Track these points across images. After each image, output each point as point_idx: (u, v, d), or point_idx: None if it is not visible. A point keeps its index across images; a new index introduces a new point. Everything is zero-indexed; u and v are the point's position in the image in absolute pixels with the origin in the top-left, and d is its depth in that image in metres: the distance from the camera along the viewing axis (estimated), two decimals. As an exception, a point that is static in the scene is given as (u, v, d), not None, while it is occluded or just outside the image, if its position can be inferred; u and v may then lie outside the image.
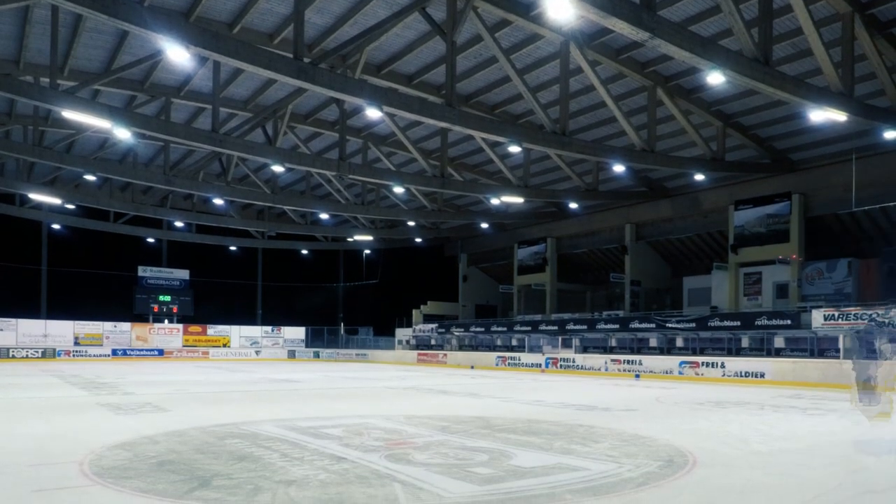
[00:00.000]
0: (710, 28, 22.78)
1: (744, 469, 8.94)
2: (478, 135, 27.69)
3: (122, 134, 25.79)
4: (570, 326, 40.19)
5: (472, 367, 42.15)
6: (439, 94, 28.37)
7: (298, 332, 63.53)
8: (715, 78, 19.18)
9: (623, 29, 15.80)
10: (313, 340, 63.09)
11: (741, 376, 28.75)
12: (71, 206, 45.99)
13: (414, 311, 57.04)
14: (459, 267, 57.52)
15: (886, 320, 25.58)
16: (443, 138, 33.21)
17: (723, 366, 29.75)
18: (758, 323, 31.01)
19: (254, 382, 27.94)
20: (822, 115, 22.08)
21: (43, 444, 10.84)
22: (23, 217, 47.58)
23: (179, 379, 29.76)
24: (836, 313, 28.27)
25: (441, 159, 33.34)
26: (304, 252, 60.80)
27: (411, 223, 49.80)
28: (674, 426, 13.48)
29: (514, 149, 27.94)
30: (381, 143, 37.33)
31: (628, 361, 33.98)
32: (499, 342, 45.99)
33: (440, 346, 50.49)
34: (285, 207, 46.33)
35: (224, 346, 59.80)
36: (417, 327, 54.61)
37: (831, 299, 31.83)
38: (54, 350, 51.60)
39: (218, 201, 43.77)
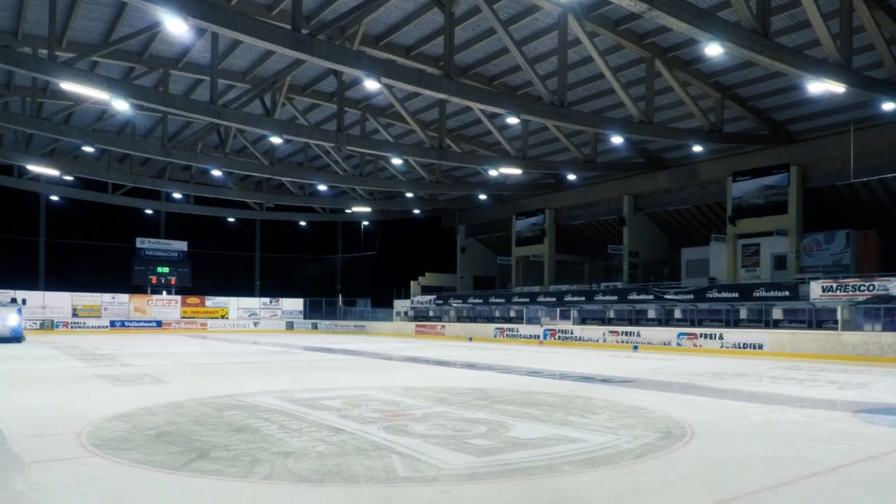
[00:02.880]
0: (709, -1, 22.63)
1: (742, 440, 8.98)
2: (476, 106, 27.59)
3: (121, 105, 25.64)
4: (569, 298, 40.25)
5: (471, 339, 42.26)
6: (437, 65, 28.22)
7: (296, 304, 63.59)
8: (713, 49, 19.08)
9: (621, 0, 15.68)
10: (311, 312, 63.21)
11: (739, 348, 28.83)
12: (69, 178, 45.90)
13: (412, 283, 57.10)
14: (457, 238, 57.48)
15: None
16: (441, 110, 33.06)
17: (721, 337, 29.82)
18: (756, 294, 31.06)
19: (252, 354, 28.01)
20: (821, 87, 22.02)
21: (41, 416, 10.86)
22: (21, 189, 47.45)
23: (178, 350, 29.83)
24: (835, 285, 28.32)
25: (439, 131, 33.19)
26: (303, 223, 60.72)
27: (409, 195, 49.72)
28: (672, 398, 13.53)
29: (513, 120, 27.83)
30: (380, 114, 37.20)
31: (626, 333, 34.07)
32: (497, 314, 46.09)
33: (438, 318, 50.61)
34: (283, 179, 46.20)
35: (222, 317, 59.85)
36: (415, 299, 54.69)
37: (829, 271, 31.87)
38: (52, 322, 51.65)
39: (216, 173, 43.69)
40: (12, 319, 35.34)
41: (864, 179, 31.41)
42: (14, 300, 44.52)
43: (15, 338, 34.78)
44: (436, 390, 14.30)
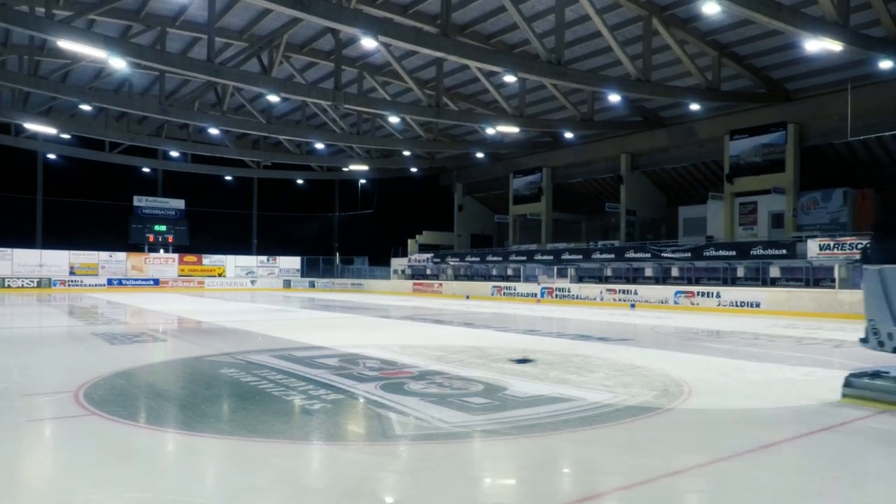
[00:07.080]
0: (710, -45, 22.33)
1: (739, 399, 9.02)
2: (473, 64, 27.41)
3: (118, 64, 25.52)
4: (566, 256, 40.26)
5: (468, 297, 42.34)
6: (435, 23, 27.93)
7: (294, 262, 63.71)
8: (710, 7, 19.02)
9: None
10: (309, 270, 63.32)
11: (736, 306, 28.93)
12: (66, 136, 45.78)
13: (409, 241, 57.11)
14: (455, 196, 57.41)
15: None
16: (438, 68, 32.83)
17: (718, 295, 29.91)
18: (753, 253, 31.08)
19: (249, 312, 28.05)
20: (818, 45, 21.98)
21: (37, 374, 10.90)
22: (18, 147, 47.37)
23: (175, 308, 29.85)
24: (832, 243, 28.32)
25: (436, 89, 33.01)
26: (300, 182, 60.62)
27: (407, 153, 49.57)
28: (669, 356, 13.58)
29: (510, 78, 27.75)
30: (377, 72, 36.92)
31: (624, 291, 34.14)
32: (494, 272, 46.12)
33: (435, 276, 50.65)
34: (281, 137, 46.06)
35: (219, 275, 59.99)
36: (413, 257, 54.71)
37: (826, 229, 31.88)
38: (50, 280, 51.76)
39: (213, 131, 43.50)
40: None
41: (862, 138, 31.37)
42: None
43: None
44: (433, 348, 14.33)
